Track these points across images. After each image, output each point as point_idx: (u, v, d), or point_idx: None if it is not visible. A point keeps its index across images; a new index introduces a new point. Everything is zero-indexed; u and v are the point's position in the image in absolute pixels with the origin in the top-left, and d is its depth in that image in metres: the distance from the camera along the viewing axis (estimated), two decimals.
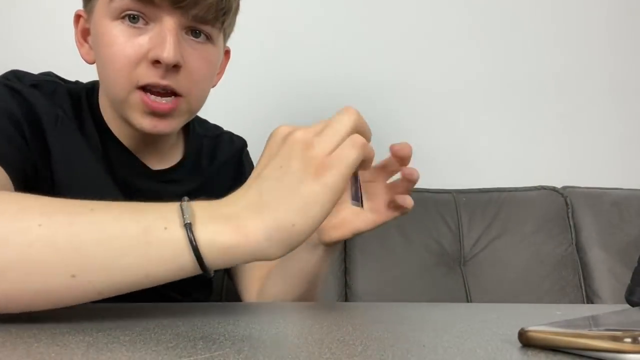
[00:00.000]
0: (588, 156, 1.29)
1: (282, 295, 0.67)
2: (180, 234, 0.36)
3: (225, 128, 0.83)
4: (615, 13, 1.31)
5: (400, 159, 0.54)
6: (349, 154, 0.38)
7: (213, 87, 0.66)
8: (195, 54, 0.59)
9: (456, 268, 1.09)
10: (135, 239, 0.36)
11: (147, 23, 0.56)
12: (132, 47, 0.56)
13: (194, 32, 0.59)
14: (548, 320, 0.35)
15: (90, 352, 0.30)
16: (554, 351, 0.32)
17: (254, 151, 0.83)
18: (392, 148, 0.53)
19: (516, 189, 1.17)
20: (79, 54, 0.63)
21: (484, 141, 1.27)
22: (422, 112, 1.23)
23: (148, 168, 0.67)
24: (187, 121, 0.64)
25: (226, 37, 0.66)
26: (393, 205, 0.56)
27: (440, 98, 1.26)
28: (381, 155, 0.52)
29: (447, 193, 1.15)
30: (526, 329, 0.33)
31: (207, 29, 0.59)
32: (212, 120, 0.81)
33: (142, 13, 0.56)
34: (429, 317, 0.46)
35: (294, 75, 1.20)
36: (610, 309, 0.44)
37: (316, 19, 1.22)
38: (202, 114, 0.69)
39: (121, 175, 0.64)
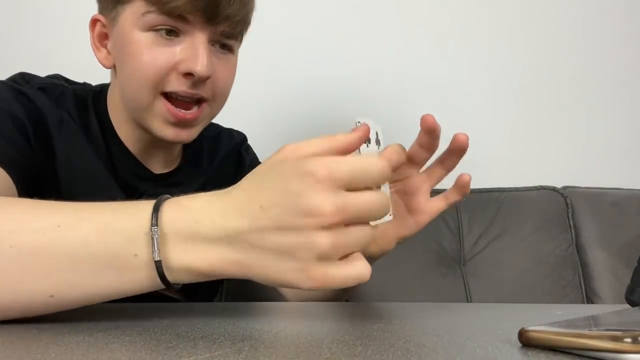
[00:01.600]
0: (588, 156, 1.29)
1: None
2: (150, 264, 0.36)
3: (229, 125, 0.83)
4: (617, 14, 1.30)
5: (459, 150, 0.51)
6: (355, 276, 0.34)
7: None
8: (221, 64, 0.61)
9: (456, 268, 1.09)
10: (106, 265, 0.36)
11: (177, 35, 0.58)
12: (163, 56, 0.57)
13: (218, 44, 0.61)
14: (548, 320, 0.35)
15: (90, 352, 0.30)
16: (554, 351, 0.32)
17: (256, 149, 0.84)
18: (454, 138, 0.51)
19: (516, 189, 1.16)
20: (95, 57, 0.64)
21: (483, 141, 1.26)
22: (422, 113, 1.23)
23: (150, 172, 0.68)
24: (205, 126, 0.65)
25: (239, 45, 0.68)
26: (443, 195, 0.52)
27: (440, 98, 1.26)
28: None
29: None
30: (526, 329, 0.33)
31: (231, 42, 0.62)
32: (218, 118, 0.81)
33: (175, 27, 0.57)
34: (429, 317, 0.46)
35: (299, 74, 1.20)
36: (610, 309, 0.44)
37: (318, 17, 1.22)
38: None
39: (124, 178, 0.65)
